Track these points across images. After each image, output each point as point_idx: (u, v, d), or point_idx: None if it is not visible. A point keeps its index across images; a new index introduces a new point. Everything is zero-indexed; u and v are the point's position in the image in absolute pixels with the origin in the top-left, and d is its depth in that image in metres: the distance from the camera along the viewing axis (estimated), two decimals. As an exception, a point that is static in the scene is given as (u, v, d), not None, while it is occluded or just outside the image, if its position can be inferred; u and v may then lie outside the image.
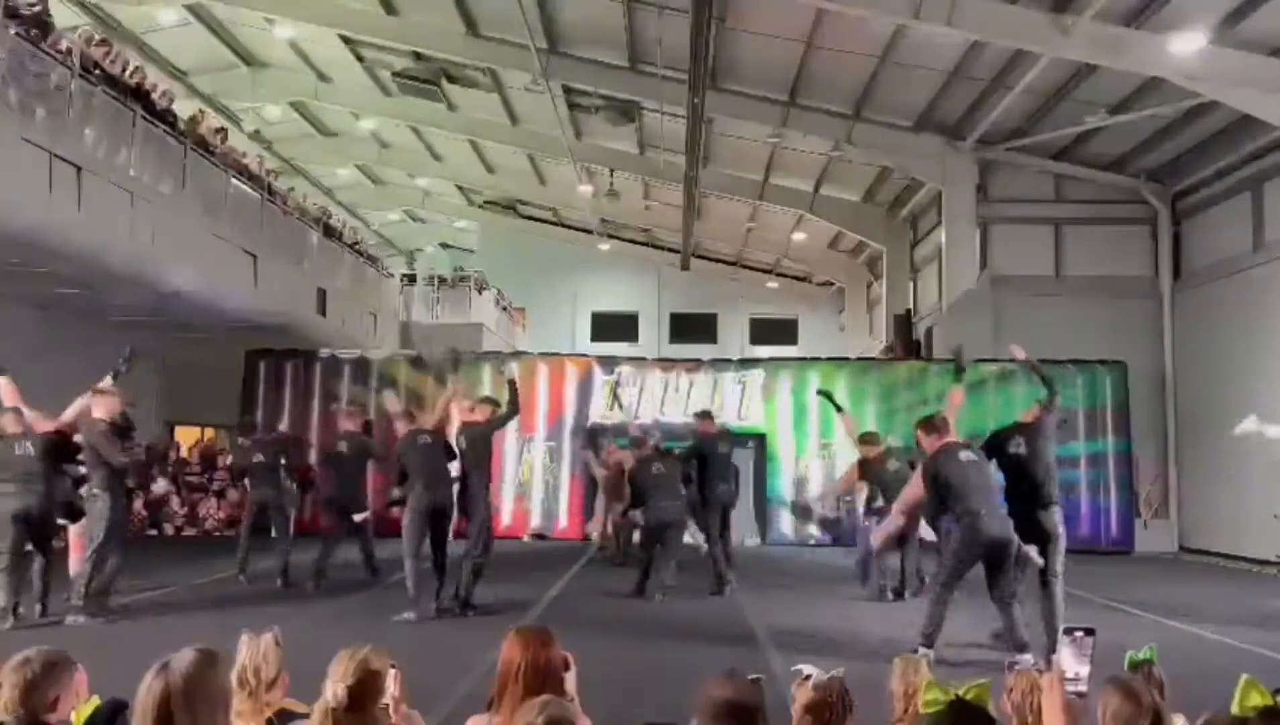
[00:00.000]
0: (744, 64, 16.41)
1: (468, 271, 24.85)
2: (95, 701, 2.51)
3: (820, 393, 11.22)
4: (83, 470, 8.72)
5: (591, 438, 15.81)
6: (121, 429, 8.81)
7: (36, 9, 10.41)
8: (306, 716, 2.78)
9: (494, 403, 9.90)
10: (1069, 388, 16.81)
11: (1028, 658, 6.66)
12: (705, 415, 11.95)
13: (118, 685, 2.64)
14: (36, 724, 2.57)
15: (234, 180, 14.54)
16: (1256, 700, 2.15)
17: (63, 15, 13.03)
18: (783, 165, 20.85)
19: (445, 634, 8.04)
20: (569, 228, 29.99)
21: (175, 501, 16.37)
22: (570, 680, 2.85)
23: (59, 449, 8.56)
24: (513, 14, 14.52)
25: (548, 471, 17.02)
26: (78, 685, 2.66)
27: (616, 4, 15.08)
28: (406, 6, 16.59)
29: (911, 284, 22.40)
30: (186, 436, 19.12)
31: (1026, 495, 7.45)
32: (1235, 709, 2.17)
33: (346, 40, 17.99)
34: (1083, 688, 2.21)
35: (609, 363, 17.84)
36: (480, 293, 23.60)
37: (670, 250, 28.50)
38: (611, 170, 22.47)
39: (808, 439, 17.14)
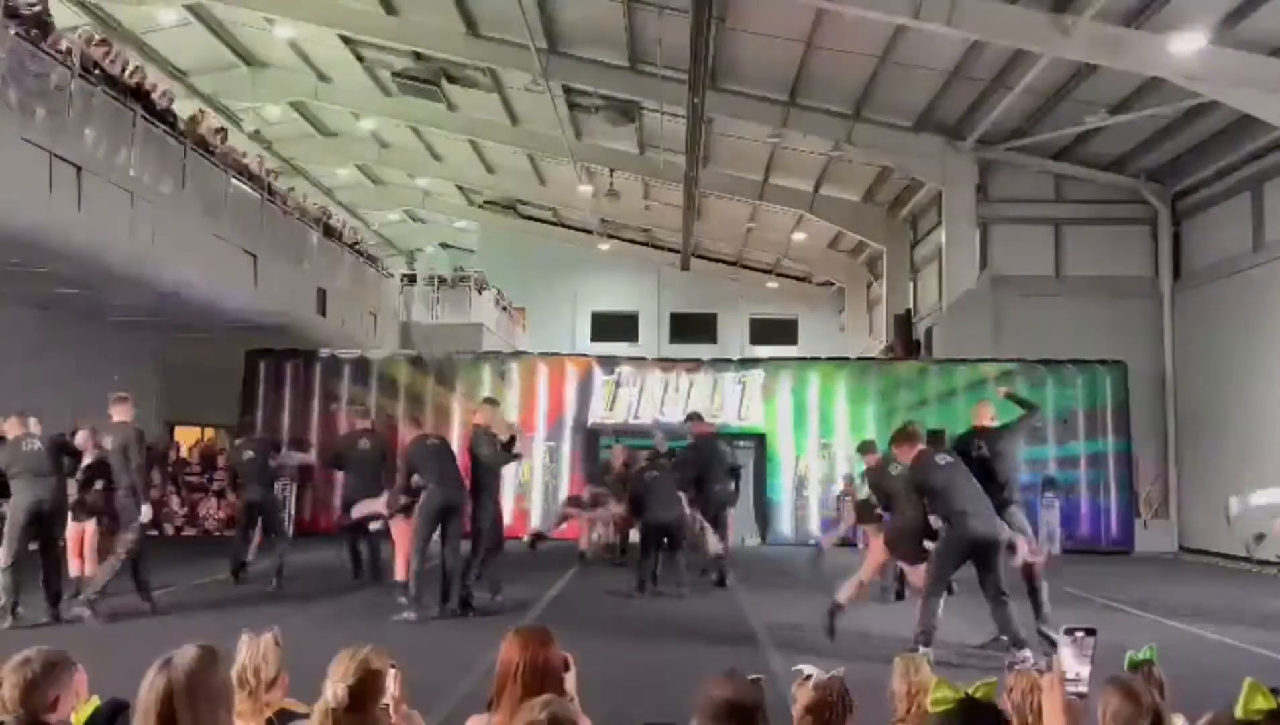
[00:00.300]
0: (744, 64, 16.41)
1: (468, 271, 24.84)
2: (95, 702, 2.50)
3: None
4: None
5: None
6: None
7: (36, 9, 10.40)
8: (306, 716, 2.78)
9: (495, 403, 10.02)
10: (1069, 388, 16.87)
11: (1027, 654, 6.67)
12: (698, 417, 12.15)
13: (118, 685, 2.64)
14: (37, 724, 2.57)
15: (234, 180, 14.54)
16: (1261, 703, 2.14)
17: (63, 15, 13.03)
18: (783, 165, 20.85)
19: (445, 634, 8.04)
20: (569, 228, 29.99)
21: (175, 501, 16.37)
22: (570, 680, 2.85)
23: (65, 447, 8.61)
24: (513, 14, 14.52)
25: (548, 472, 17.03)
26: (78, 685, 2.65)
27: (616, 4, 15.07)
28: (406, 6, 16.59)
29: (911, 284, 22.40)
30: (186, 436, 19.11)
31: (991, 496, 7.53)
32: (1240, 712, 2.16)
33: (346, 40, 17.99)
34: (1083, 688, 2.20)
35: (609, 363, 17.85)
36: (480, 293, 23.59)
37: (670, 250, 28.50)
38: (611, 170, 22.47)
39: (808, 439, 17.16)
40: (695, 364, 17.85)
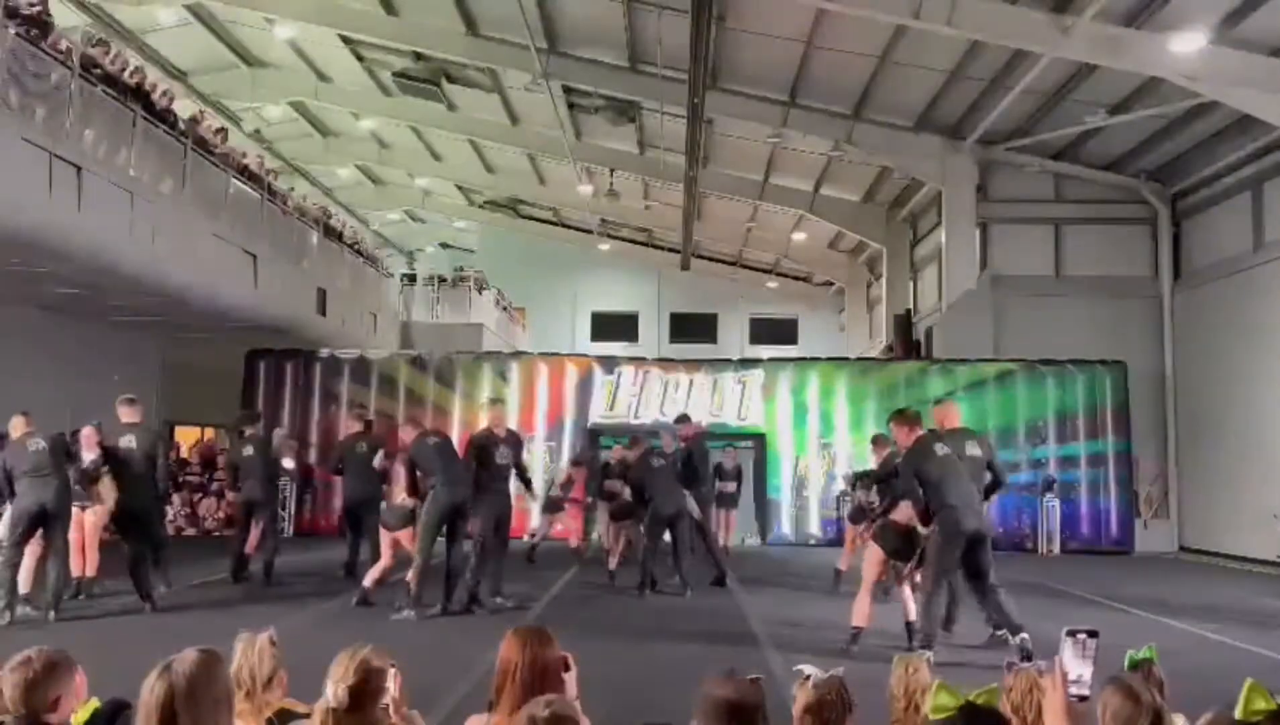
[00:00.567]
0: (744, 64, 16.40)
1: (468, 271, 24.84)
2: (95, 703, 2.50)
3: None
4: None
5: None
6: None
7: (36, 9, 10.39)
8: (306, 716, 2.78)
9: (501, 403, 10.24)
10: (1069, 388, 16.88)
11: (1025, 636, 6.78)
12: (686, 419, 12.28)
13: (118, 685, 2.65)
14: (38, 724, 2.57)
15: (234, 180, 14.54)
16: (1261, 705, 2.13)
17: (63, 15, 13.01)
18: (783, 165, 20.84)
19: (445, 634, 8.04)
20: (569, 228, 29.99)
21: (175, 501, 16.36)
22: (571, 680, 2.85)
23: (65, 448, 8.63)
24: (513, 14, 14.51)
25: (548, 471, 17.02)
26: (78, 686, 2.65)
27: (616, 4, 15.07)
28: (406, 6, 16.59)
29: (911, 284, 22.40)
30: (186, 436, 19.11)
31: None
32: (1240, 713, 2.15)
33: (346, 40, 17.98)
34: (1085, 690, 2.20)
35: (609, 363, 17.86)
36: (480, 293, 23.60)
37: (670, 250, 28.49)
38: (611, 170, 22.46)
39: (808, 439, 17.16)
40: (695, 364, 17.85)
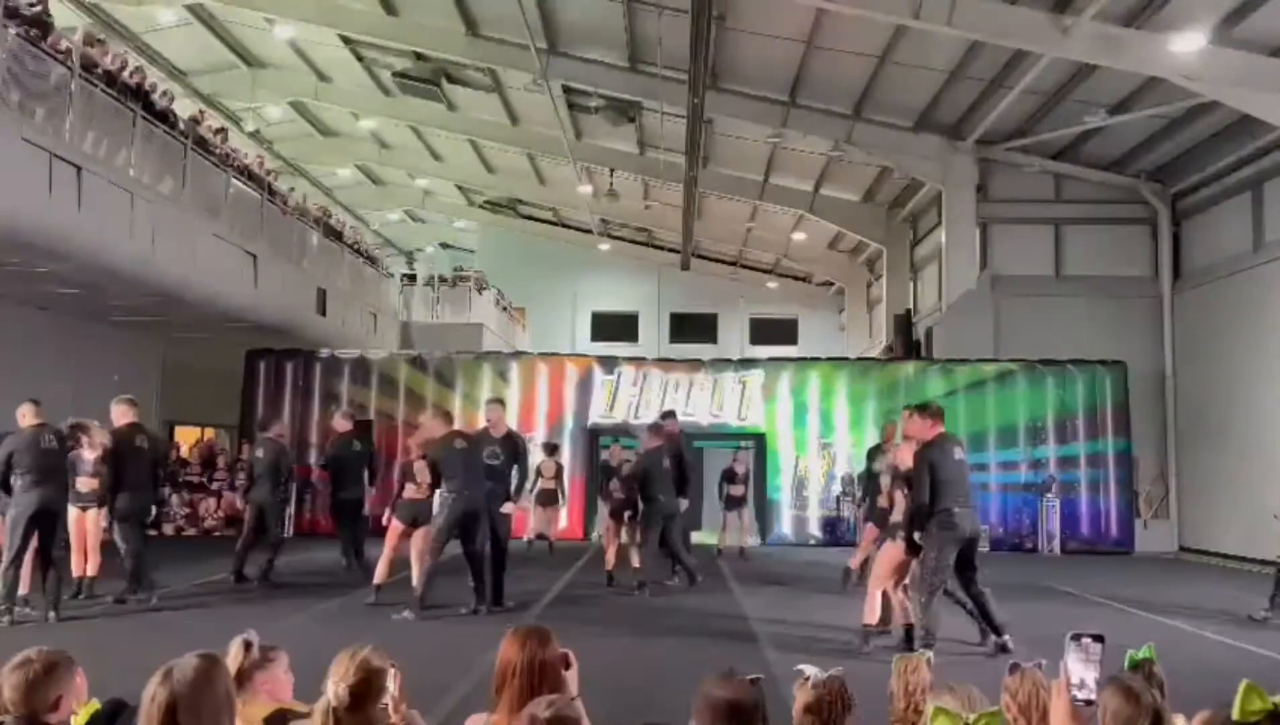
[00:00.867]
0: (744, 64, 16.40)
1: (468, 271, 24.85)
2: (95, 704, 2.50)
3: None
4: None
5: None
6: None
7: (36, 9, 10.40)
8: (306, 716, 2.77)
9: (501, 404, 10.16)
10: (1069, 388, 16.88)
11: (1007, 638, 7.11)
12: (671, 416, 12.18)
13: (118, 685, 2.64)
14: (38, 724, 2.57)
15: (234, 180, 14.54)
16: (1258, 705, 2.13)
17: (63, 15, 13.02)
18: (783, 165, 20.84)
19: (445, 634, 8.04)
20: (569, 228, 30.00)
21: (175, 501, 16.36)
22: (572, 678, 2.85)
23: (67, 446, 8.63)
24: (513, 14, 14.51)
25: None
26: (78, 686, 2.65)
27: (616, 4, 15.07)
28: (406, 6, 16.59)
29: (911, 284, 22.40)
30: (186, 436, 19.11)
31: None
32: (1236, 714, 2.14)
33: (346, 40, 17.99)
34: (1091, 695, 2.19)
35: (609, 363, 17.86)
36: (480, 293, 23.59)
37: (670, 250, 28.49)
38: (611, 170, 22.46)
39: (807, 439, 17.16)
40: (695, 364, 17.85)
